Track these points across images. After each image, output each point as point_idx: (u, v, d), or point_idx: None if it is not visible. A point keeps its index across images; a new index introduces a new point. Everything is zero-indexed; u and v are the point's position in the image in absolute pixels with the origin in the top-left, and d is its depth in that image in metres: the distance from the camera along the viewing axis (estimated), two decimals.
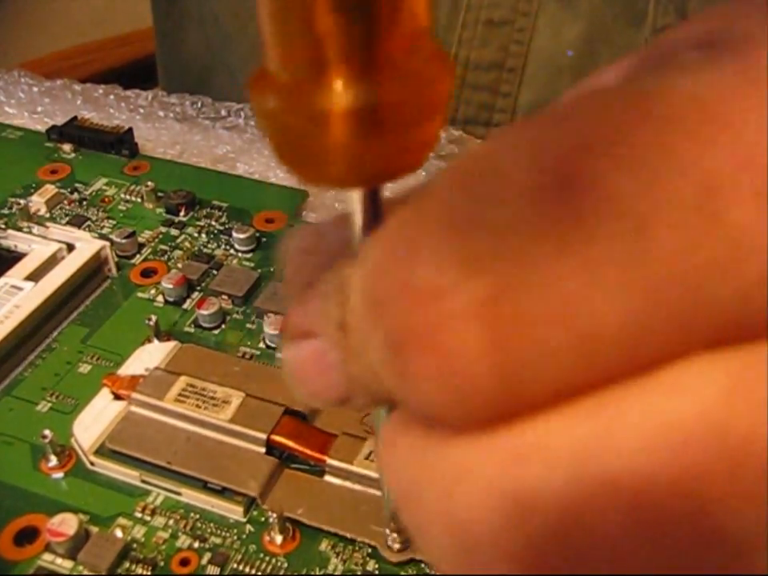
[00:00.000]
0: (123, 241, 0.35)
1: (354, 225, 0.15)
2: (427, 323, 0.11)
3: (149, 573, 0.24)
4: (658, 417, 0.11)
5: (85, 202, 0.38)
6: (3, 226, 0.36)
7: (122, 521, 0.26)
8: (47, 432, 0.27)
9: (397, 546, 0.25)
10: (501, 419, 0.11)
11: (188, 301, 0.33)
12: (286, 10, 0.13)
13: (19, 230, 0.36)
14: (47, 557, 0.25)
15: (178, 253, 0.36)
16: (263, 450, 0.27)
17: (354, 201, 0.15)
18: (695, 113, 0.11)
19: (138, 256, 0.35)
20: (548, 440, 0.11)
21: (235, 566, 0.24)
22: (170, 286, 0.33)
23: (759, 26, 0.12)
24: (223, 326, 0.32)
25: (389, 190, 0.16)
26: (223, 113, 0.47)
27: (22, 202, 0.37)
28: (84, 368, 0.31)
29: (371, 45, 0.13)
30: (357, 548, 0.25)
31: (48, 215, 0.38)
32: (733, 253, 0.11)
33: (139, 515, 0.26)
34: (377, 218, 0.15)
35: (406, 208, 0.12)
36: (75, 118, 0.43)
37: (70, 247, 0.34)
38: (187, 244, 0.36)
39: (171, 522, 0.26)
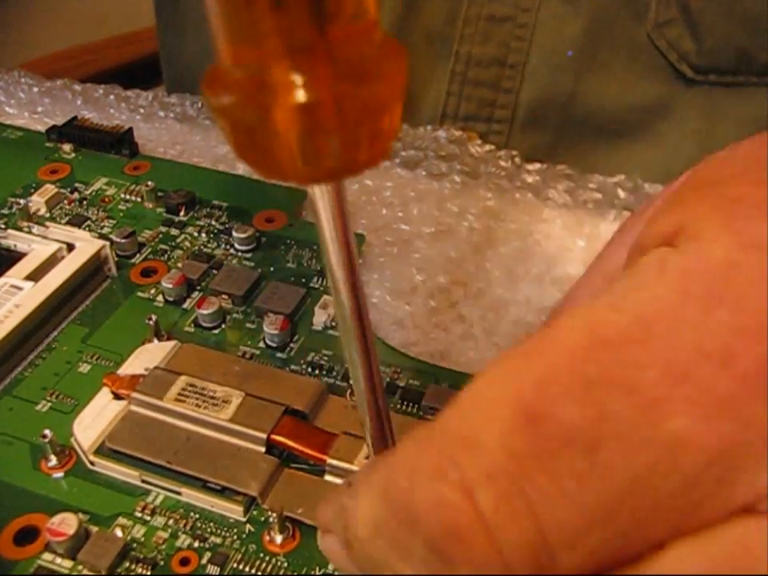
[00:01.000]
0: (123, 240, 0.35)
1: (321, 226, 0.16)
2: (463, 525, 0.15)
3: (149, 572, 0.24)
4: None
5: (85, 202, 0.38)
6: (3, 226, 0.36)
7: (121, 520, 0.26)
8: (47, 432, 0.27)
9: None
10: None
11: (188, 300, 0.33)
12: (233, 8, 0.13)
13: (19, 229, 0.36)
14: (47, 556, 0.25)
15: (178, 252, 0.36)
16: (263, 449, 0.26)
17: (316, 197, 0.15)
18: (637, 332, 0.14)
19: (137, 256, 0.35)
20: None
21: (235, 565, 0.24)
22: (170, 286, 0.33)
23: (710, 226, 0.15)
24: (223, 326, 0.32)
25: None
26: None
27: (21, 201, 0.37)
28: (84, 368, 0.30)
29: (317, 39, 0.13)
30: None
31: (48, 215, 0.37)
32: (671, 453, 0.13)
33: (139, 515, 0.26)
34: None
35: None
36: (75, 118, 0.43)
37: (70, 247, 0.34)
38: (187, 243, 0.36)
39: (171, 521, 0.26)
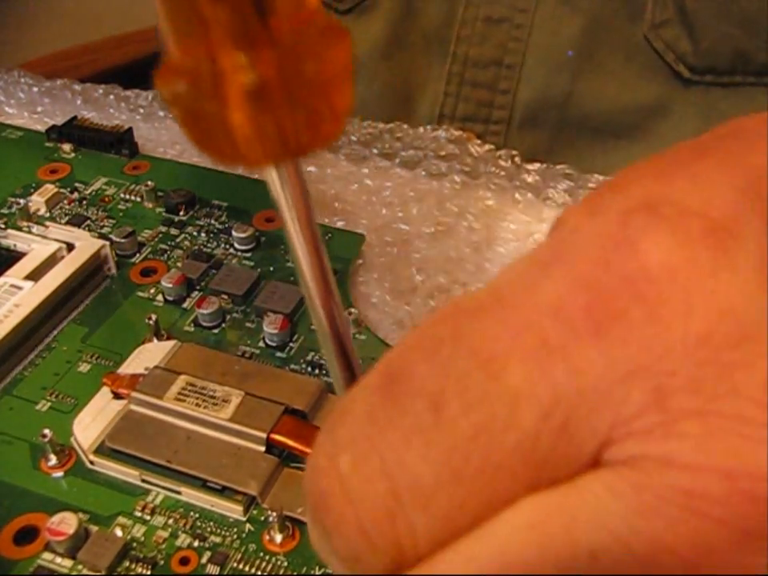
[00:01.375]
0: (123, 240, 0.35)
1: (281, 209, 0.16)
2: (326, 491, 0.15)
3: (148, 572, 0.24)
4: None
5: (84, 202, 0.38)
6: (3, 226, 0.35)
7: (121, 520, 0.26)
8: (47, 431, 0.27)
9: None
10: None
11: (188, 300, 0.33)
12: (176, 4, 0.14)
13: (19, 229, 0.36)
14: (47, 556, 0.25)
15: (177, 252, 0.36)
16: (263, 448, 0.26)
17: (273, 180, 0.16)
18: (489, 300, 0.15)
19: (137, 255, 0.35)
20: None
21: (235, 564, 0.24)
22: (170, 285, 0.33)
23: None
24: (223, 325, 0.32)
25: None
26: None
27: (21, 201, 0.37)
28: (84, 367, 0.30)
29: (258, 25, 0.13)
30: None
31: (48, 215, 0.38)
32: (509, 407, 0.14)
33: (139, 514, 0.26)
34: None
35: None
36: (75, 117, 0.43)
37: (70, 246, 0.34)
38: (187, 243, 0.36)
39: (171, 521, 0.26)
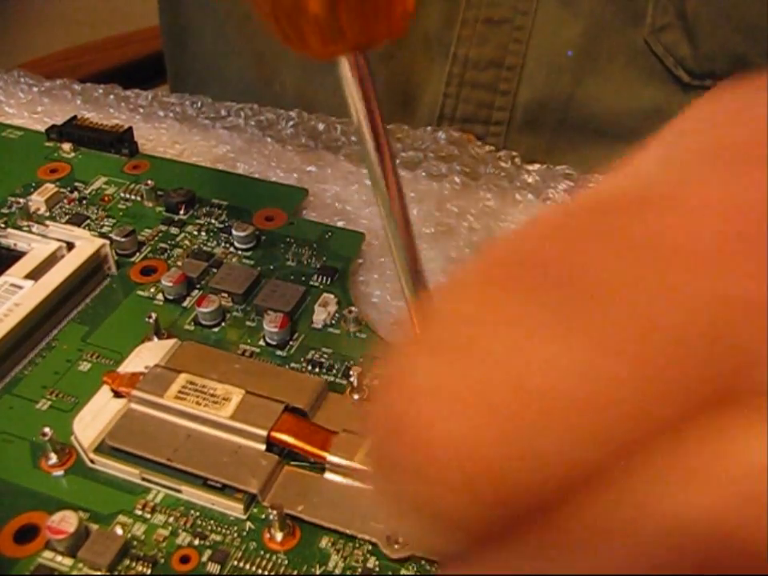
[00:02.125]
0: (123, 239, 0.35)
1: (350, 89, 0.17)
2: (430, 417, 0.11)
3: (149, 570, 0.24)
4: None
5: (84, 201, 0.38)
6: (3, 225, 0.35)
7: (122, 518, 0.26)
8: (47, 430, 0.27)
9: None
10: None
11: (188, 299, 0.33)
12: None
13: (19, 228, 0.35)
14: (47, 554, 0.25)
15: (177, 251, 0.36)
16: (263, 447, 0.26)
17: (343, 67, 0.17)
18: (641, 195, 0.12)
19: (137, 254, 0.35)
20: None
21: (235, 563, 0.24)
22: (170, 284, 0.33)
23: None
24: (223, 324, 0.32)
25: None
26: (223, 112, 0.47)
27: (21, 200, 0.37)
28: (84, 366, 0.30)
29: None
30: (357, 545, 0.25)
31: (48, 214, 0.37)
32: (681, 313, 0.11)
33: (139, 513, 0.26)
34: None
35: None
36: (75, 117, 0.43)
37: (70, 246, 0.34)
38: (187, 242, 0.36)
39: (171, 519, 0.26)
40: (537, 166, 0.43)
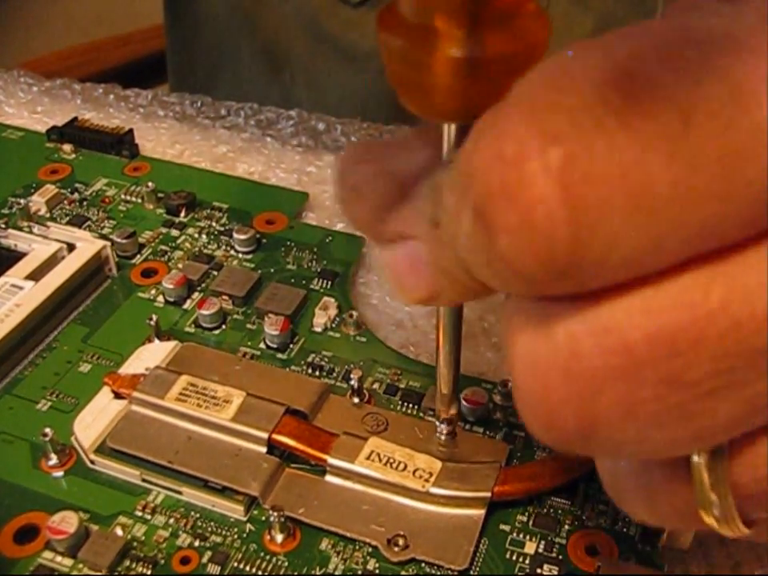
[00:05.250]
0: (124, 241, 0.35)
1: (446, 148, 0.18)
2: (512, 182, 0.14)
3: (149, 571, 0.24)
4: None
5: (85, 203, 0.38)
6: (3, 226, 0.36)
7: (122, 519, 0.26)
8: (47, 430, 0.27)
9: (443, 437, 0.26)
10: (582, 287, 0.14)
11: (188, 301, 0.33)
12: None
13: (20, 229, 0.36)
14: (47, 555, 0.25)
15: (178, 253, 0.36)
16: (264, 449, 0.27)
17: (450, 131, 0.18)
18: (727, 40, 0.14)
19: (138, 256, 0.36)
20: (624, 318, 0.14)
21: (236, 564, 0.24)
22: (171, 286, 0.33)
23: None
24: (224, 327, 0.32)
25: None
26: (223, 112, 0.47)
27: (22, 201, 0.37)
28: (84, 367, 0.31)
29: (484, 4, 0.16)
30: (357, 547, 0.25)
31: (48, 215, 0.38)
32: (754, 142, 0.13)
33: (140, 514, 0.26)
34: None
35: (494, 106, 0.15)
36: (75, 118, 0.43)
37: (71, 247, 0.34)
38: (187, 245, 0.36)
39: (172, 520, 0.26)
40: None
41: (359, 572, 0.24)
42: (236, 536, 0.25)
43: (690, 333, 0.14)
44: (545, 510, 0.26)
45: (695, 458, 0.16)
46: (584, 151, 0.13)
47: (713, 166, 0.13)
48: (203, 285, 0.34)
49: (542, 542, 0.25)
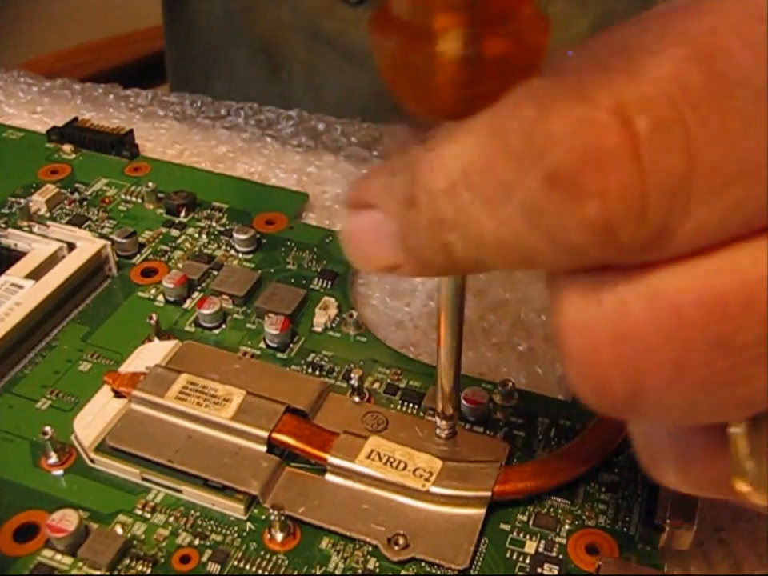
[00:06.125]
0: (124, 240, 0.35)
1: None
2: (607, 148, 0.14)
3: (149, 570, 0.24)
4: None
5: (85, 202, 0.38)
6: (3, 225, 0.36)
7: (122, 518, 0.26)
8: (47, 429, 0.27)
9: (445, 432, 0.26)
10: (653, 252, 0.15)
11: (188, 301, 0.33)
12: None
13: (20, 228, 0.36)
14: (47, 553, 0.25)
15: (178, 253, 0.36)
16: (264, 448, 0.27)
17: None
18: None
19: (138, 256, 0.36)
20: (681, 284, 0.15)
21: (236, 563, 0.24)
22: (171, 286, 0.33)
23: None
24: (224, 326, 0.32)
25: None
26: (223, 112, 0.48)
27: (22, 201, 0.37)
28: (84, 366, 0.31)
29: (482, 5, 0.15)
30: (357, 546, 0.25)
31: (48, 215, 0.38)
32: None
33: (139, 512, 0.26)
34: None
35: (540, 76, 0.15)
36: (76, 119, 0.43)
37: (71, 246, 0.34)
38: (187, 245, 0.36)
39: (172, 519, 0.26)
40: None
41: (359, 571, 0.24)
42: (236, 535, 0.25)
43: (740, 297, 0.14)
44: (545, 510, 0.26)
45: (733, 426, 0.16)
46: (665, 125, 0.14)
47: None
48: (203, 284, 0.34)
49: (542, 542, 0.25)
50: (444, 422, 0.26)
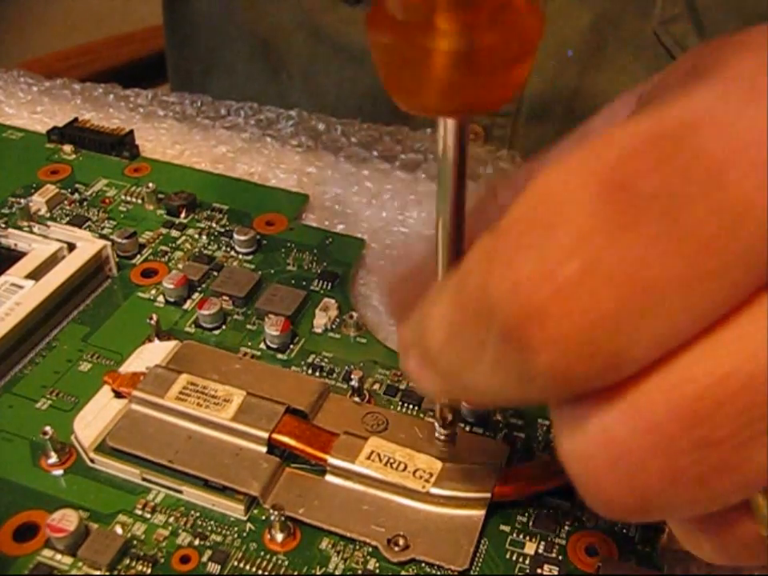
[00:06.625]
0: (124, 241, 0.35)
1: (445, 148, 0.19)
2: (541, 301, 0.15)
3: (149, 570, 0.24)
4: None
5: (85, 203, 0.38)
6: (3, 225, 0.36)
7: (122, 518, 0.26)
8: (47, 429, 0.27)
9: (443, 436, 0.26)
10: (610, 380, 0.16)
11: (188, 301, 0.33)
12: None
13: (20, 229, 0.36)
14: (47, 553, 0.25)
15: (178, 254, 0.36)
16: (264, 448, 0.27)
17: (446, 129, 0.18)
18: (696, 119, 0.15)
19: (138, 256, 0.36)
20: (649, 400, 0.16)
21: (236, 563, 0.24)
22: (171, 287, 0.33)
23: (730, 53, 0.17)
24: (224, 327, 0.32)
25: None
26: (223, 112, 0.48)
27: (22, 201, 0.37)
28: (84, 366, 0.31)
29: None
30: (358, 547, 0.25)
31: (48, 215, 0.38)
32: (738, 215, 0.15)
33: (139, 512, 0.26)
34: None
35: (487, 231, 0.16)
36: (76, 119, 0.43)
37: (71, 246, 0.34)
38: (188, 245, 0.36)
39: (172, 519, 0.26)
40: None
41: (359, 572, 0.24)
42: (236, 535, 0.25)
43: (708, 400, 0.15)
44: (545, 511, 0.26)
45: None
46: (595, 262, 0.15)
47: (707, 248, 0.15)
48: (203, 285, 0.34)
49: (542, 543, 0.25)
50: (443, 429, 0.26)
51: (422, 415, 0.29)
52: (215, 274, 0.34)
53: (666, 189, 0.15)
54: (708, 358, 0.15)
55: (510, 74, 0.16)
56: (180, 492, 0.26)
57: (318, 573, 0.24)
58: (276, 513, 0.25)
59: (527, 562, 0.25)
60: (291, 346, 0.31)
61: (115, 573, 0.24)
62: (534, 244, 0.15)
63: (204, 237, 0.37)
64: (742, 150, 0.15)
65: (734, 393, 0.15)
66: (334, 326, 0.32)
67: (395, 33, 0.16)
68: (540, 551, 0.25)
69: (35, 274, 0.33)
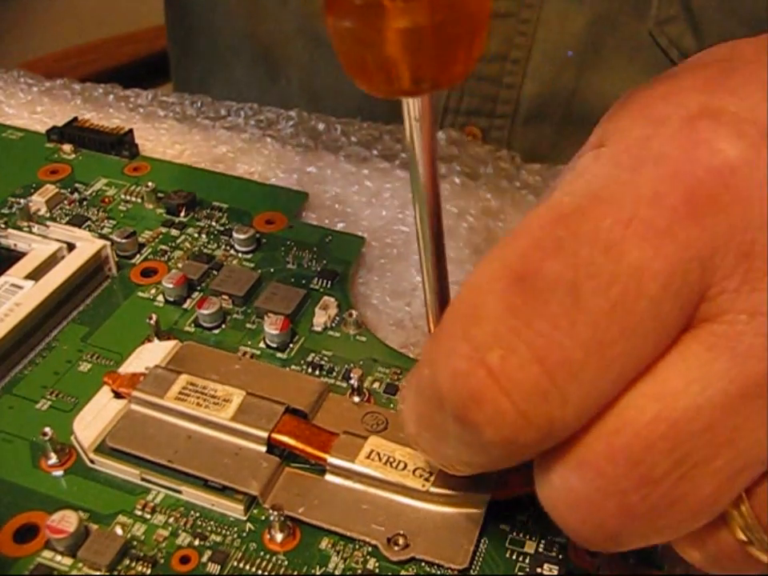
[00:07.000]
0: (123, 240, 0.35)
1: (411, 128, 0.19)
2: (475, 388, 0.17)
3: (149, 570, 0.24)
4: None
5: (85, 202, 0.38)
6: (3, 225, 0.36)
7: (122, 518, 0.26)
8: (47, 429, 0.27)
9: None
10: (552, 442, 0.18)
11: (188, 301, 0.33)
12: None
13: (20, 229, 0.36)
14: (47, 554, 0.25)
15: (178, 253, 0.36)
16: (264, 448, 0.27)
17: (408, 108, 0.19)
18: (588, 201, 0.18)
19: (138, 256, 0.36)
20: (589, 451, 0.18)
21: (235, 563, 0.24)
22: (171, 286, 0.33)
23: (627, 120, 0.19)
24: (223, 326, 0.32)
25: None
26: (223, 112, 0.47)
27: (22, 201, 0.37)
28: (84, 366, 0.31)
29: None
30: (357, 546, 0.25)
31: (48, 215, 0.38)
32: (635, 281, 0.17)
33: (139, 513, 0.26)
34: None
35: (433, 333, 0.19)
36: (75, 119, 0.43)
37: (71, 246, 0.34)
38: (187, 244, 0.36)
39: (171, 519, 0.26)
40: (537, 166, 0.43)
41: (359, 571, 0.24)
42: (236, 535, 0.25)
43: (639, 444, 0.17)
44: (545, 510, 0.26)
45: None
46: (513, 346, 0.17)
47: (610, 316, 0.17)
48: (203, 284, 0.34)
49: (542, 542, 0.25)
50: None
51: None
52: (215, 272, 0.34)
53: (566, 271, 0.17)
54: (632, 407, 0.17)
55: (465, 49, 0.17)
56: (179, 492, 0.26)
57: (317, 573, 0.24)
58: (276, 512, 0.25)
59: (527, 560, 0.25)
60: (291, 345, 0.31)
61: (115, 573, 0.24)
62: (464, 335, 0.17)
63: (204, 235, 0.37)
64: (627, 223, 0.17)
65: (661, 434, 0.17)
66: (333, 325, 0.32)
67: (352, 15, 0.17)
68: (540, 550, 0.25)
69: (35, 275, 0.33)
